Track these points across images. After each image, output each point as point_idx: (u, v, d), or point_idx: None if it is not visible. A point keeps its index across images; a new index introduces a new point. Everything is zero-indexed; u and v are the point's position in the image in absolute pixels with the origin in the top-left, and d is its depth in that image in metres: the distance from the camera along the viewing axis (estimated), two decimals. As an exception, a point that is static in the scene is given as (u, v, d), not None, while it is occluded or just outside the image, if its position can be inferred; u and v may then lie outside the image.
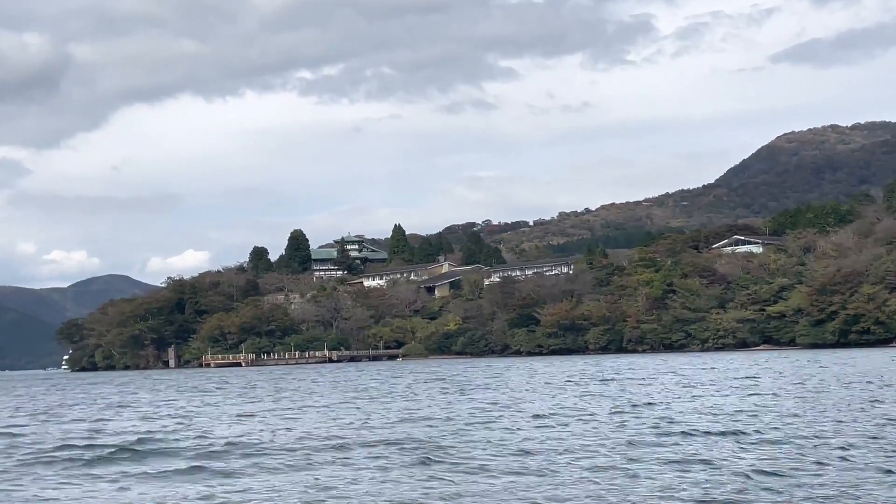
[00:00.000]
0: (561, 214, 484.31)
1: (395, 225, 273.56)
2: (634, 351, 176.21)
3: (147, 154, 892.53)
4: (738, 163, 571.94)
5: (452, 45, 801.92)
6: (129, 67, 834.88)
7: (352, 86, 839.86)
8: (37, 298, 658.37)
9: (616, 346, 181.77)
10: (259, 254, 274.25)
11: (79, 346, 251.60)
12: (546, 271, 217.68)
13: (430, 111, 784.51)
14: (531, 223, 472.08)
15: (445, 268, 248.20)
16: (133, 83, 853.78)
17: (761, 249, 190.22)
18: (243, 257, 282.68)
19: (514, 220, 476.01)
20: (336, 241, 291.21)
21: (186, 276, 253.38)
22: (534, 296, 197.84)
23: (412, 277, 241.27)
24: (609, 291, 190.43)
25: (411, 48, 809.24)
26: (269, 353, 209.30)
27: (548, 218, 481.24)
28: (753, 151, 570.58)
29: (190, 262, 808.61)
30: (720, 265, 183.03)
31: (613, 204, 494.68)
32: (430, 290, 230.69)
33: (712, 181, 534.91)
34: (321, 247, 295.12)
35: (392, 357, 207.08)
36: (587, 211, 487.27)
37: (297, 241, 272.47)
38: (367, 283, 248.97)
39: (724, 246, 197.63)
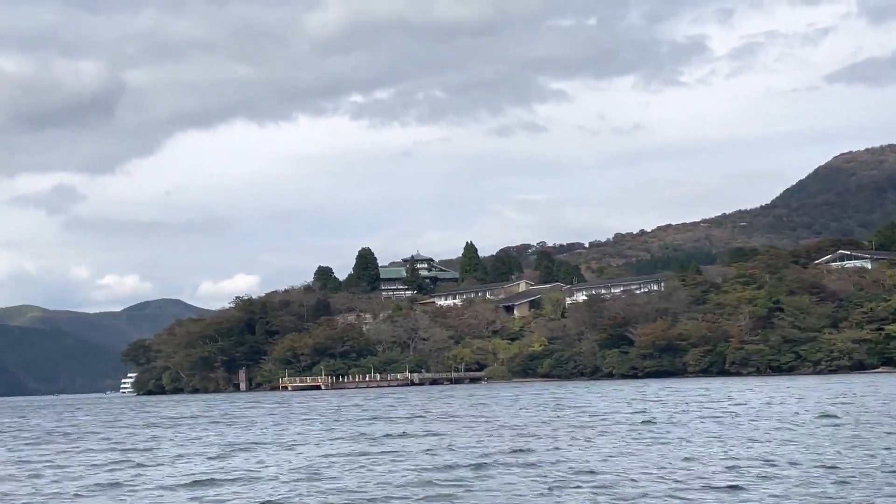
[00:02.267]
0: (617, 236, 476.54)
1: (467, 243, 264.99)
2: (738, 374, 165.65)
3: (199, 179, 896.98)
4: (794, 183, 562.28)
5: (503, 67, 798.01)
6: (183, 93, 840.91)
7: (403, 109, 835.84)
8: (91, 323, 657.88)
9: (718, 368, 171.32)
10: (325, 273, 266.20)
11: (145, 368, 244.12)
12: (635, 289, 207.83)
13: (480, 134, 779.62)
14: (587, 245, 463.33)
15: (523, 286, 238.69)
16: (186, 108, 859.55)
17: (870, 265, 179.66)
18: (294, 280, 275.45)
19: (568, 242, 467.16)
20: (405, 260, 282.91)
21: (245, 298, 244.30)
22: (624, 315, 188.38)
23: (488, 296, 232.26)
24: (707, 310, 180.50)
25: (462, 70, 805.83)
26: (345, 376, 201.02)
27: (602, 240, 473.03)
28: (810, 171, 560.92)
29: (241, 285, 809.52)
30: (829, 281, 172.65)
31: (670, 225, 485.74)
32: (509, 309, 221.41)
33: (768, 202, 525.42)
34: (382, 267, 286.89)
35: (475, 380, 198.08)
36: (643, 232, 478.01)
37: (366, 260, 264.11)
38: (440, 302, 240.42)
39: (829, 261, 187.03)
